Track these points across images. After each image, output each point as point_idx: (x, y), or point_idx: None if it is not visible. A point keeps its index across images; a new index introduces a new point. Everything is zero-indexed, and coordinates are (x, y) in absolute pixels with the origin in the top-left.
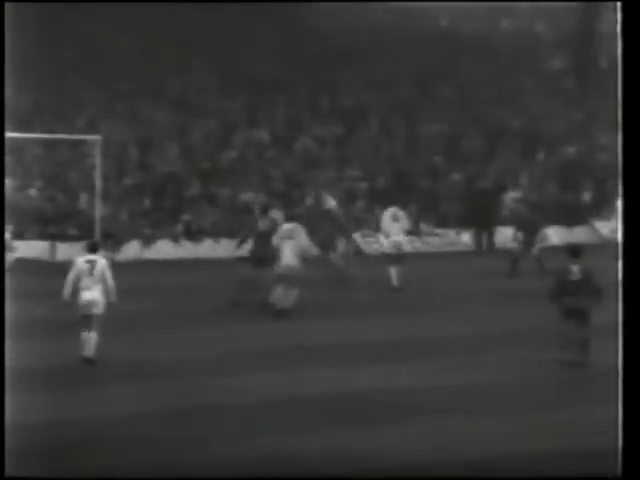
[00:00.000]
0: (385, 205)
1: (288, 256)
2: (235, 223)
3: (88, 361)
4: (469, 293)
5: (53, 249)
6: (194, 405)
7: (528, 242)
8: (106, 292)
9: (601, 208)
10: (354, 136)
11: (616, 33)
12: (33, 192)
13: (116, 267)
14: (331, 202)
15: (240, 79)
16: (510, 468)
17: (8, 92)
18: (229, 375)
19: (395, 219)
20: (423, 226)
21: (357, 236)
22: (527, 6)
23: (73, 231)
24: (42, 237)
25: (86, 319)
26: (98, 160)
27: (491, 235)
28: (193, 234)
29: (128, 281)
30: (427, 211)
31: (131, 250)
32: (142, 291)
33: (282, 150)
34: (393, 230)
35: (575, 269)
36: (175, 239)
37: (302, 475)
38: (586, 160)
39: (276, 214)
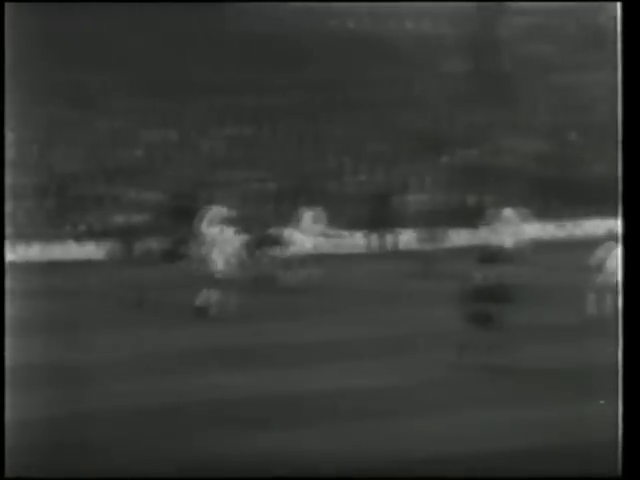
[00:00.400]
0: (294, 206)
1: (216, 258)
2: (141, 223)
3: None
4: (378, 295)
5: None
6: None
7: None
8: None
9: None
10: (262, 138)
11: (514, 38)
12: None
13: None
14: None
15: (149, 79)
16: (414, 470)
17: None
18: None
19: (315, 220)
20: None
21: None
22: (432, 7)
23: None
24: None
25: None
26: None
27: (388, 237)
28: (97, 234)
29: (30, 283)
30: (334, 213)
31: (32, 251)
32: (41, 293)
33: (189, 150)
34: (313, 231)
35: (483, 273)
36: (78, 239)
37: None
38: (489, 163)
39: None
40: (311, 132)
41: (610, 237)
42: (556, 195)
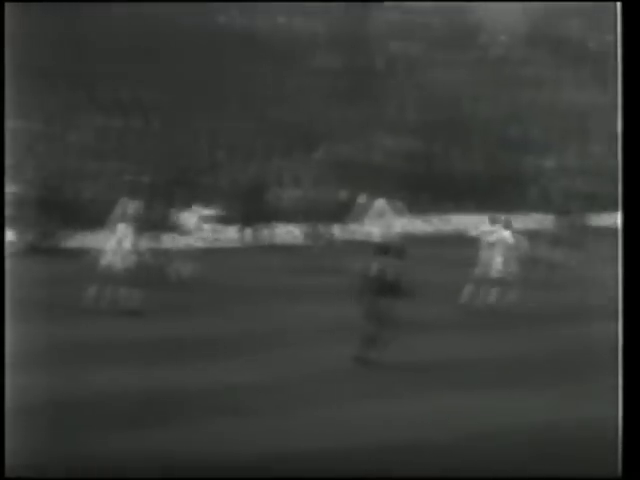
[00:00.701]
0: (169, 200)
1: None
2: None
3: None
4: (255, 289)
5: None
6: None
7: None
8: None
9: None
10: (135, 130)
11: (388, 35)
12: None
13: None
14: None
15: (13, 66)
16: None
17: None
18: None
19: (200, 214)
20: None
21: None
22: (304, 4)
23: None
24: None
25: None
26: None
27: (261, 230)
28: None
29: None
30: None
31: None
32: None
33: (56, 142)
34: (200, 226)
35: (376, 266)
36: None
37: None
38: (362, 159)
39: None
40: (187, 126)
41: (478, 232)
42: (424, 190)
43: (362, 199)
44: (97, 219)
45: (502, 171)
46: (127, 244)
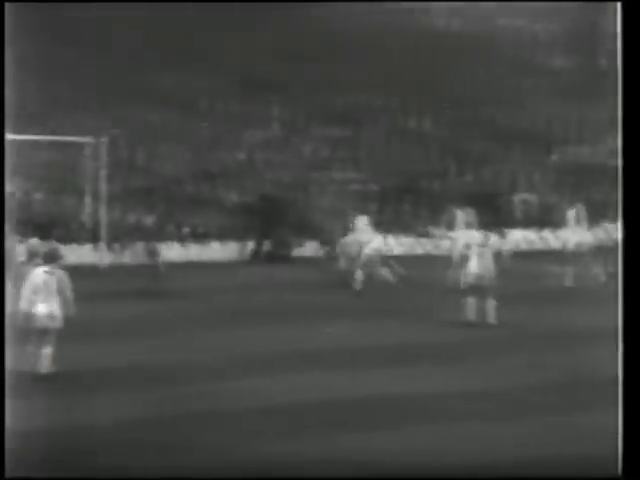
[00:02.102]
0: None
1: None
2: (241, 226)
3: (43, 377)
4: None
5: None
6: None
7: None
8: (64, 304)
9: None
10: (361, 137)
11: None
12: (38, 195)
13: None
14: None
15: (243, 80)
16: None
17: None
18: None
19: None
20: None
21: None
22: (525, 5)
23: (78, 234)
24: (46, 240)
25: (41, 333)
26: (95, 163)
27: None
28: (199, 236)
29: (134, 284)
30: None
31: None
32: (148, 294)
33: (289, 151)
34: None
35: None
36: (181, 241)
37: None
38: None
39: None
40: (413, 132)
41: None
42: None
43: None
44: (323, 229)
45: None
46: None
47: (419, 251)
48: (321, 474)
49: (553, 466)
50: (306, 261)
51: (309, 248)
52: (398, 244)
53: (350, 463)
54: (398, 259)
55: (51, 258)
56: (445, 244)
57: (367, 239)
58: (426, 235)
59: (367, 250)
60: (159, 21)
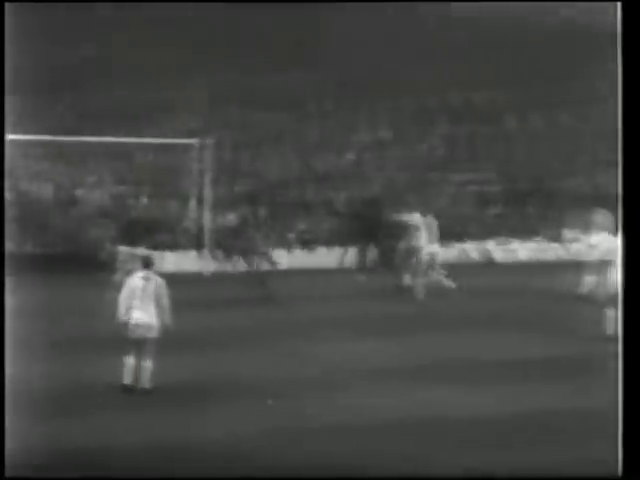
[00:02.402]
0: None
1: None
2: (349, 231)
3: (145, 391)
4: None
5: (161, 259)
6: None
7: None
8: (161, 313)
9: None
10: (481, 135)
11: None
12: (144, 200)
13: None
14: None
15: (355, 78)
16: None
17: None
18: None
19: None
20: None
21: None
22: None
23: (182, 240)
24: (150, 246)
25: (137, 343)
26: (199, 166)
27: None
28: (307, 242)
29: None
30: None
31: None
32: (253, 302)
33: (405, 151)
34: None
35: None
36: (288, 248)
37: None
38: None
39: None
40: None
41: None
42: None
43: None
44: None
45: None
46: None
47: (549, 256)
48: None
49: None
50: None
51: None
52: (524, 249)
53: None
54: (524, 265)
55: (147, 264)
56: (579, 248)
57: (422, 242)
58: (557, 239)
59: (424, 254)
60: (266, 21)
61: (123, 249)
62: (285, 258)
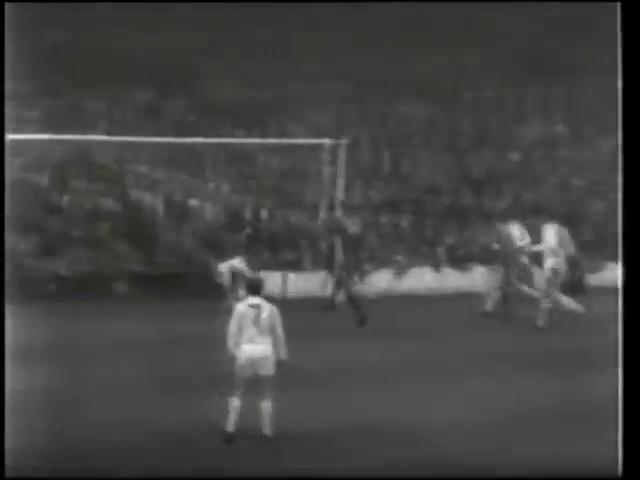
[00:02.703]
0: None
1: None
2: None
3: (264, 438)
4: None
5: (285, 282)
6: None
7: None
8: (275, 346)
9: None
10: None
11: None
12: (264, 212)
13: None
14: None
15: (517, 62)
16: None
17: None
18: None
19: None
20: None
21: None
22: None
23: (308, 259)
24: (274, 267)
25: (246, 382)
26: (332, 169)
27: None
28: (459, 260)
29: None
30: None
31: (381, 281)
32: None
33: (583, 150)
34: None
35: None
36: (435, 266)
37: None
38: None
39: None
40: None
41: None
42: None
43: None
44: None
45: None
46: None
47: None
48: None
49: None
50: (604, 291)
51: (610, 273)
52: None
53: None
54: None
55: (255, 288)
56: None
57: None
58: None
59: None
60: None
61: (225, 269)
62: (431, 277)
